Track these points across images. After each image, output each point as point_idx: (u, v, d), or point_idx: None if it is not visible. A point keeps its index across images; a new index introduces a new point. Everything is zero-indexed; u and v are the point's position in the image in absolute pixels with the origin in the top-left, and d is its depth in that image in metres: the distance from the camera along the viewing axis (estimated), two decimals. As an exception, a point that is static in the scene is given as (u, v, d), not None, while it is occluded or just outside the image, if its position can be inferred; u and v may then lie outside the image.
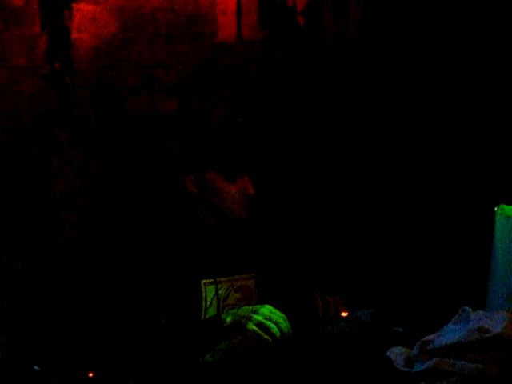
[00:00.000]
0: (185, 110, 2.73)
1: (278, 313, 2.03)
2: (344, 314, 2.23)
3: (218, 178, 2.22)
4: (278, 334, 1.98)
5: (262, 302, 2.12)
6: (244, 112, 2.85)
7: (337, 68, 3.07)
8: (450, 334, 1.64)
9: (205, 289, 2.20)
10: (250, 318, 1.98)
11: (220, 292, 2.23)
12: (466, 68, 2.88)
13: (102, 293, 2.14)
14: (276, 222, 2.50)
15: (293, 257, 2.45)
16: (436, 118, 3.00)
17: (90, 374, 1.86)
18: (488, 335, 1.57)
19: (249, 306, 2.11)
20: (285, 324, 2.01)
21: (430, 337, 1.68)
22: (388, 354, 1.75)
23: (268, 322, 1.98)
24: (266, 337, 1.96)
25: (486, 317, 1.67)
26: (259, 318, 1.98)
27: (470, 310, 1.73)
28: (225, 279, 2.25)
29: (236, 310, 2.06)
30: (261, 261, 2.34)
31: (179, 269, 2.17)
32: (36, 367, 1.94)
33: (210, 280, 2.21)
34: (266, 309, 2.02)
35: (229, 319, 2.00)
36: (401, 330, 1.97)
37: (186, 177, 2.26)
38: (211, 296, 2.21)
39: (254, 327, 1.97)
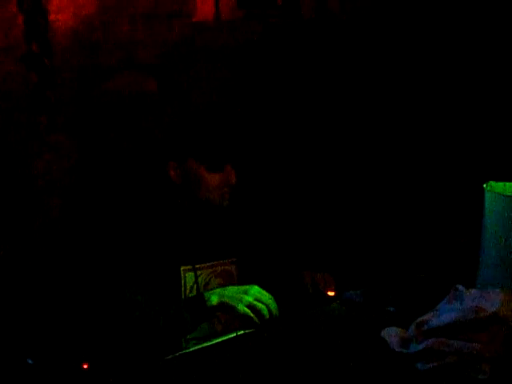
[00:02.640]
0: (165, 91, 2.67)
1: (266, 293, 1.99)
2: (331, 294, 2.20)
3: (199, 167, 2.16)
4: (267, 316, 1.94)
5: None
6: (225, 92, 2.80)
7: (318, 43, 3.02)
8: (446, 313, 1.63)
9: (184, 276, 2.16)
10: (240, 300, 1.94)
11: (200, 278, 2.18)
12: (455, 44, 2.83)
13: (84, 277, 2.08)
14: (258, 205, 2.46)
15: (276, 238, 2.40)
16: (425, 93, 2.95)
17: (85, 366, 1.82)
18: (484, 314, 1.56)
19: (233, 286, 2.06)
20: (274, 305, 1.98)
21: (425, 317, 1.67)
22: (383, 334, 1.74)
23: (259, 304, 1.94)
24: (256, 320, 1.93)
25: (480, 296, 1.65)
26: (250, 299, 1.94)
27: (463, 288, 1.72)
28: (205, 265, 2.20)
29: (221, 289, 2.00)
30: (242, 246, 2.30)
31: (159, 255, 2.11)
32: (30, 360, 1.89)
33: (189, 267, 2.17)
34: (255, 289, 1.98)
35: (215, 299, 1.95)
36: (393, 309, 1.95)
37: (169, 163, 2.20)
38: (191, 283, 2.17)
39: (246, 309, 1.93)
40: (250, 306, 1.93)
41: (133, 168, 2.57)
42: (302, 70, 2.99)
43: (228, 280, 2.23)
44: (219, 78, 2.78)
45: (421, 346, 1.60)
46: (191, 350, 1.80)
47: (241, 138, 2.23)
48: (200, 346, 1.81)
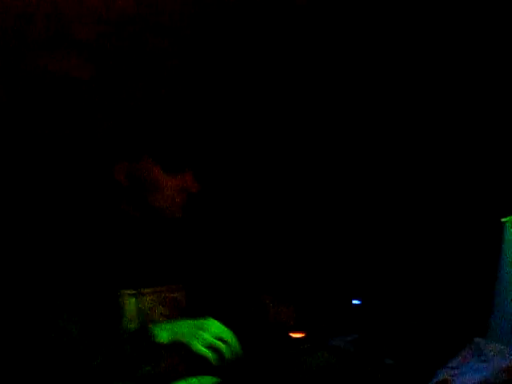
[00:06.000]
0: (105, 78, 2.54)
1: (226, 329, 1.92)
2: (296, 336, 2.15)
3: (155, 168, 2.12)
4: (228, 356, 1.88)
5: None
6: (175, 87, 2.70)
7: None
8: (470, 373, 1.59)
9: (124, 301, 2.05)
10: (196, 337, 1.85)
11: (141, 306, 2.08)
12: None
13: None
14: (215, 225, 2.40)
15: (234, 265, 2.37)
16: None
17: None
18: (519, 377, 1.52)
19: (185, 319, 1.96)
20: (235, 344, 1.92)
21: (445, 376, 1.62)
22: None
23: (219, 343, 1.87)
24: (215, 362, 1.85)
25: (508, 353, 1.62)
26: (208, 336, 1.86)
27: (481, 341, 1.69)
28: (149, 290, 2.11)
29: (171, 323, 1.91)
30: (190, 269, 2.24)
31: (94, 274, 2.03)
32: None
33: (130, 291, 2.07)
34: (213, 324, 1.91)
35: (164, 335, 1.86)
36: (391, 361, 1.89)
37: (117, 164, 2.12)
38: (132, 311, 2.06)
39: (204, 349, 1.84)
40: (209, 345, 1.84)
41: (69, 170, 2.44)
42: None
43: (174, 310, 2.15)
44: (172, 66, 2.67)
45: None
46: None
47: (206, 142, 2.16)
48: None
